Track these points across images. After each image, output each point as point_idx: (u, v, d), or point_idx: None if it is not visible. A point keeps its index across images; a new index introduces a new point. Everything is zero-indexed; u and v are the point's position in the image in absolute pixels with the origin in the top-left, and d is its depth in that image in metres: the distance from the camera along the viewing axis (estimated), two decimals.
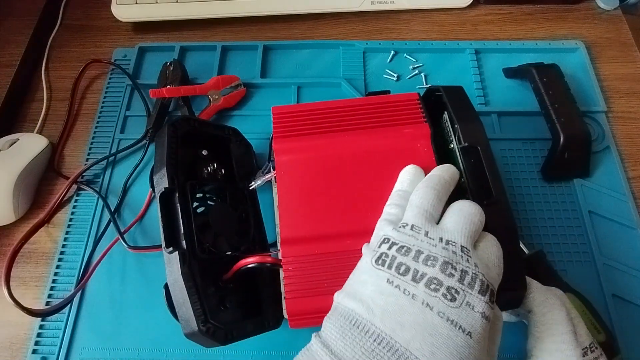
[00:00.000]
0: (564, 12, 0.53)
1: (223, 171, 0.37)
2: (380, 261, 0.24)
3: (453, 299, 0.22)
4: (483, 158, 0.29)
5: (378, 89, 0.38)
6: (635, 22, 0.52)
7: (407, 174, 0.30)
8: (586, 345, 0.26)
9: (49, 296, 0.39)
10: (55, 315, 0.36)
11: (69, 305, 0.37)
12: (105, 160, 0.45)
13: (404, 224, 0.25)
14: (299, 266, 0.29)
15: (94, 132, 0.47)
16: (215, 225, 0.33)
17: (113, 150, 0.45)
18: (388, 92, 0.36)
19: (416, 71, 0.49)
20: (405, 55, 0.50)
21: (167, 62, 0.48)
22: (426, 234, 0.24)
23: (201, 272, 0.29)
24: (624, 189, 0.41)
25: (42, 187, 0.45)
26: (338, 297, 0.25)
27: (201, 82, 0.47)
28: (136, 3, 0.51)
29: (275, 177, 0.32)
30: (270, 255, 0.30)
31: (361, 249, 0.27)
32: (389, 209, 0.28)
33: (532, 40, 0.50)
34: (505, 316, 0.31)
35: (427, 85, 0.48)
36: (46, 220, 0.42)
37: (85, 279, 0.37)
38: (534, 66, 0.44)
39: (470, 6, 0.53)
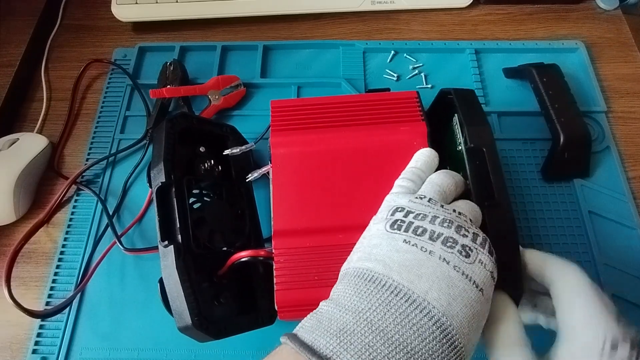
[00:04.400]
0: (564, 12, 0.53)
1: (220, 168, 0.37)
2: (395, 226, 0.24)
3: (467, 256, 0.23)
4: (488, 160, 0.29)
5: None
6: (635, 22, 0.52)
7: (423, 155, 0.30)
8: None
9: (49, 296, 0.39)
10: (55, 315, 0.36)
11: (68, 306, 0.37)
12: (105, 161, 0.45)
13: (422, 196, 0.26)
14: (290, 258, 0.29)
15: (94, 132, 0.47)
16: (211, 221, 0.33)
17: (113, 150, 0.45)
18: (388, 89, 0.36)
19: (416, 71, 0.49)
20: (405, 55, 0.50)
21: (167, 62, 0.48)
22: (442, 206, 0.25)
23: (196, 267, 0.29)
24: (624, 189, 0.41)
25: (42, 187, 0.45)
26: (348, 264, 0.25)
27: (201, 82, 0.47)
28: (136, 3, 0.51)
29: (271, 170, 0.32)
30: (264, 250, 0.31)
31: (353, 245, 0.27)
32: (401, 182, 0.28)
33: (532, 40, 0.50)
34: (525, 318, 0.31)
35: (427, 86, 0.48)
36: (46, 221, 0.42)
37: (85, 281, 0.37)
38: (534, 66, 0.44)
39: (470, 6, 0.53)
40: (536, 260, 0.27)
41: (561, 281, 0.26)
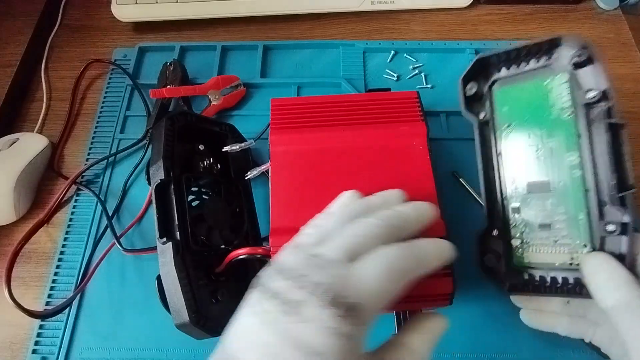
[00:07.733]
0: (564, 12, 0.53)
1: (219, 166, 0.38)
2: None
3: (293, 314, 0.19)
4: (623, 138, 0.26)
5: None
6: (635, 22, 0.52)
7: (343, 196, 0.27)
8: None
9: (49, 296, 0.39)
10: (55, 315, 0.36)
11: (68, 306, 0.37)
12: (105, 161, 0.45)
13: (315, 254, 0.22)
14: None
15: (94, 132, 0.47)
16: (209, 218, 0.33)
17: (113, 150, 0.45)
18: (389, 89, 0.36)
19: (416, 71, 0.49)
20: (405, 55, 0.50)
21: (167, 62, 0.48)
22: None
23: (194, 264, 0.29)
24: None
25: (42, 187, 0.45)
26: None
27: (201, 82, 0.47)
28: (136, 3, 0.51)
29: (270, 168, 0.32)
30: (261, 248, 0.31)
31: None
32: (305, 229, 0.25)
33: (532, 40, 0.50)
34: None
35: (427, 86, 0.48)
36: (46, 221, 0.42)
37: (84, 281, 0.37)
38: None
39: (470, 6, 0.53)
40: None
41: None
